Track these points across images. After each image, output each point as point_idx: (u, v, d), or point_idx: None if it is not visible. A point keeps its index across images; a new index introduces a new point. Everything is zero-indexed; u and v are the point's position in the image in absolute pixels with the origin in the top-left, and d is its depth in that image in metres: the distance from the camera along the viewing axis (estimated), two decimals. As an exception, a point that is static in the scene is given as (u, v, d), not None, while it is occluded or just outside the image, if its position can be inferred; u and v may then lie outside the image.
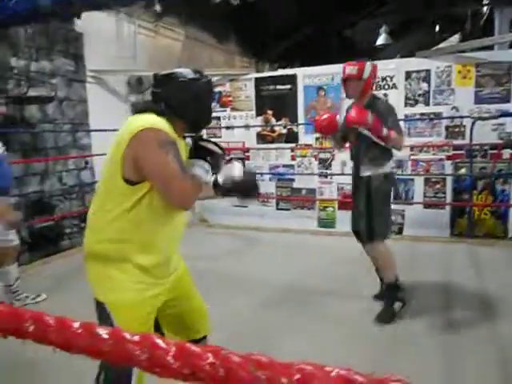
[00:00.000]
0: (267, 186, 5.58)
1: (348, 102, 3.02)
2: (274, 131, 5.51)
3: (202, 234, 5.43)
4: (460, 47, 5.00)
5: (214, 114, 5.36)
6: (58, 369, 2.15)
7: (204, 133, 5.32)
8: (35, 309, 0.74)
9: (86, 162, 5.08)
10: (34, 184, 4.45)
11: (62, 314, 0.69)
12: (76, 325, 0.65)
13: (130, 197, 1.40)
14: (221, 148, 1.58)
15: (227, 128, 5.74)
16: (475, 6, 7.43)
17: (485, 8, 7.20)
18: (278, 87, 5.39)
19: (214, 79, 5.45)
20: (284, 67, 7.40)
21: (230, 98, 5.67)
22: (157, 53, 6.00)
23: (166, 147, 1.37)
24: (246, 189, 1.58)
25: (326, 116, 2.97)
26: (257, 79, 5.52)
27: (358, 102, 2.83)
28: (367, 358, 2.31)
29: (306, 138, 5.32)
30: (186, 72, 1.52)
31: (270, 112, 5.49)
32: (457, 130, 4.61)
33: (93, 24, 4.87)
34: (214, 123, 5.61)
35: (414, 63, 4.72)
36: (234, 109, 5.67)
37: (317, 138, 5.25)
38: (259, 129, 5.57)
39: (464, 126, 4.55)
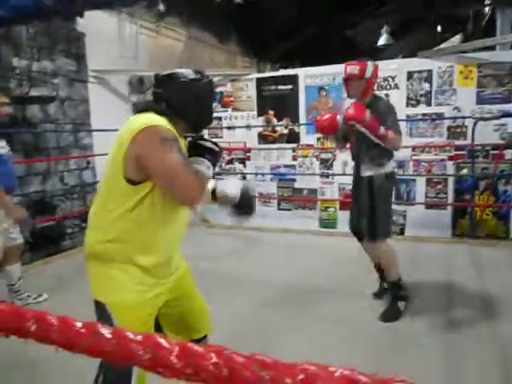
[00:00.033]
0: (268, 187, 5.58)
1: (349, 102, 3.02)
2: (275, 131, 5.51)
3: (204, 234, 5.43)
4: (462, 47, 4.99)
5: (215, 114, 5.36)
6: (60, 368, 2.15)
7: (205, 133, 5.32)
8: (37, 309, 0.74)
9: (88, 162, 5.08)
10: (36, 184, 4.46)
11: (64, 314, 0.69)
12: (78, 324, 0.65)
13: (131, 197, 1.40)
14: (218, 147, 1.58)
15: (228, 128, 5.74)
16: (477, 7, 7.41)
17: (487, 8, 7.19)
18: (280, 87, 5.38)
19: (216, 79, 5.45)
20: (285, 67, 7.39)
21: (232, 98, 5.67)
22: (158, 53, 6.00)
23: (169, 143, 1.36)
24: (241, 208, 1.59)
25: (327, 116, 2.98)
26: (258, 79, 5.52)
27: (359, 102, 2.83)
28: (368, 357, 2.31)
29: (308, 138, 5.32)
30: (187, 72, 1.52)
31: (271, 112, 5.48)
32: (459, 130, 4.60)
33: (95, 24, 4.88)
34: (215, 123, 5.61)
35: (416, 63, 4.71)
36: (235, 109, 5.67)
37: (318, 139, 5.24)
38: (260, 129, 5.57)
39: (466, 127, 4.54)
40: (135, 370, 1.37)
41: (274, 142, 5.52)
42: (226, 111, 5.71)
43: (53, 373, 2.29)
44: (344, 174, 5.02)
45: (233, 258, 4.41)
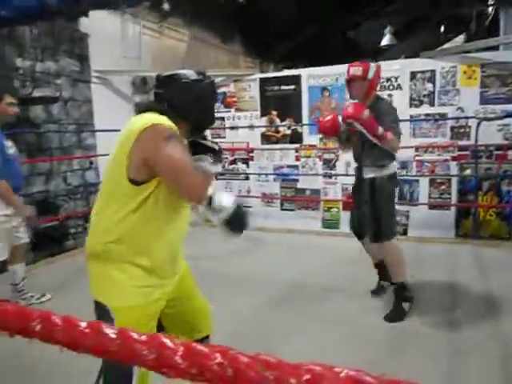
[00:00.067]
0: (271, 187, 5.58)
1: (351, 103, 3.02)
2: (278, 132, 5.51)
3: (206, 234, 5.40)
4: (465, 47, 4.98)
5: (218, 115, 5.37)
6: (65, 368, 2.15)
7: (208, 133, 5.33)
8: (40, 309, 0.74)
9: (91, 162, 5.09)
10: (39, 184, 4.47)
11: (67, 314, 0.69)
12: (83, 324, 0.65)
13: (135, 197, 1.39)
14: (218, 145, 1.58)
15: (231, 128, 5.74)
16: (480, 7, 7.39)
17: (490, 8, 7.17)
18: (283, 88, 5.38)
19: (219, 80, 5.46)
20: (288, 68, 7.39)
21: (235, 99, 5.67)
22: (161, 53, 6.01)
23: (173, 141, 1.37)
24: (232, 226, 1.55)
25: (329, 117, 2.98)
26: (261, 80, 5.52)
27: (361, 103, 2.83)
28: (368, 357, 2.31)
29: (311, 138, 5.31)
30: (189, 73, 1.52)
31: (274, 112, 5.48)
32: (462, 130, 4.59)
33: (98, 24, 4.89)
34: (218, 124, 5.61)
35: (419, 64, 4.70)
36: (238, 109, 5.67)
37: (321, 139, 5.24)
38: (263, 129, 5.57)
39: (469, 127, 4.53)
40: (136, 371, 1.37)
41: (276, 142, 5.52)
42: (229, 111, 5.71)
43: (57, 372, 2.29)
44: (347, 175, 5.01)
45: (235, 258, 4.41)
